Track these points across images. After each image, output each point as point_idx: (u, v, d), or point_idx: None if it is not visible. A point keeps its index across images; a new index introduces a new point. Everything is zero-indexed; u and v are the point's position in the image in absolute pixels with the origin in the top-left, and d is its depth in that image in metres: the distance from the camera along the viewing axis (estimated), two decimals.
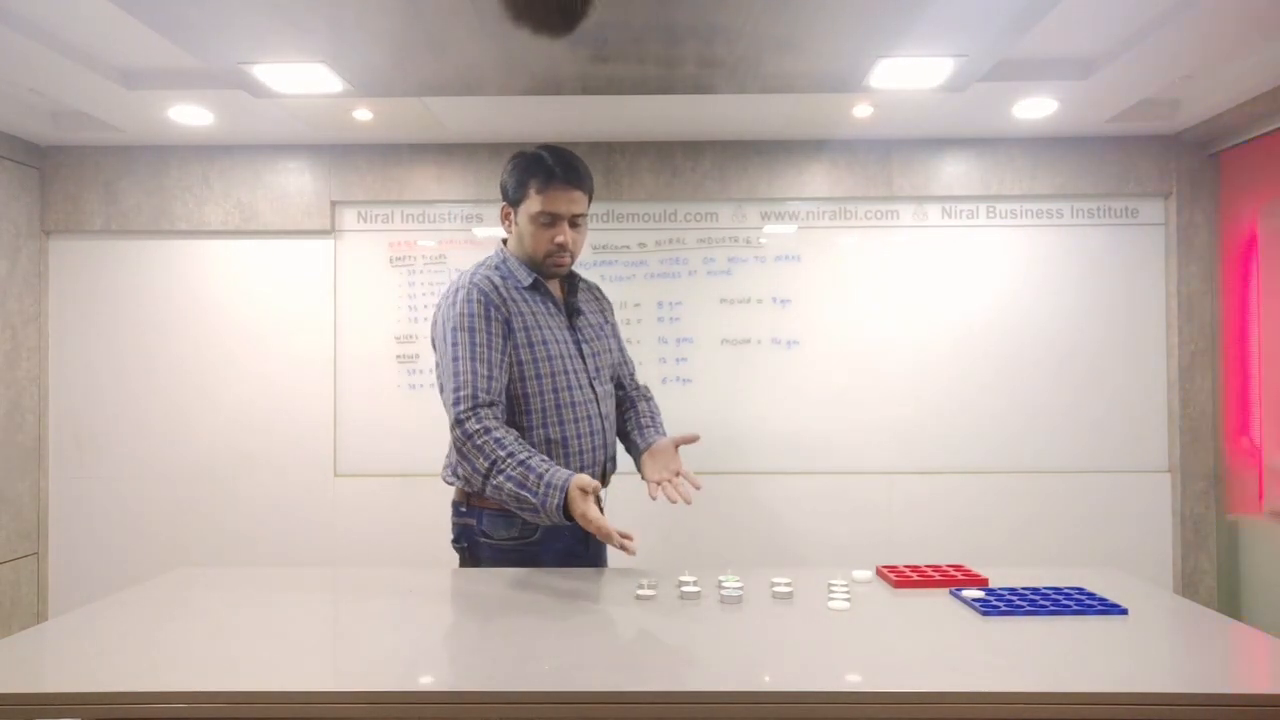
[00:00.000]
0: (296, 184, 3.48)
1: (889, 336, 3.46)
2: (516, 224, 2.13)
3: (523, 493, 1.85)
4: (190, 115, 3.08)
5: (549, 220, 2.07)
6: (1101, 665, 1.38)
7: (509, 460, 1.87)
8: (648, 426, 2.30)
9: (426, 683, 1.37)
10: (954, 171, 3.45)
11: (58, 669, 1.43)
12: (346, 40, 2.17)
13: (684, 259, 3.49)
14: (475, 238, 3.51)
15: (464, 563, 2.13)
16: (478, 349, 2.00)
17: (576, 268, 2.27)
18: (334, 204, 3.49)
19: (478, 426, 1.92)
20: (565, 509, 1.83)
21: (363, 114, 3.06)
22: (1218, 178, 3.43)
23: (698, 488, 2.03)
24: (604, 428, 2.17)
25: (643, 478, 2.15)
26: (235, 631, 1.63)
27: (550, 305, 2.15)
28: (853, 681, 1.34)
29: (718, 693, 1.26)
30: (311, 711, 1.27)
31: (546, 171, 2.06)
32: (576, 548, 2.11)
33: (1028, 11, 2.03)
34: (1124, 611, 1.63)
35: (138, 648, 1.51)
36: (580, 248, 2.16)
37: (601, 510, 2.00)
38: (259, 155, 3.48)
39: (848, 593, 1.75)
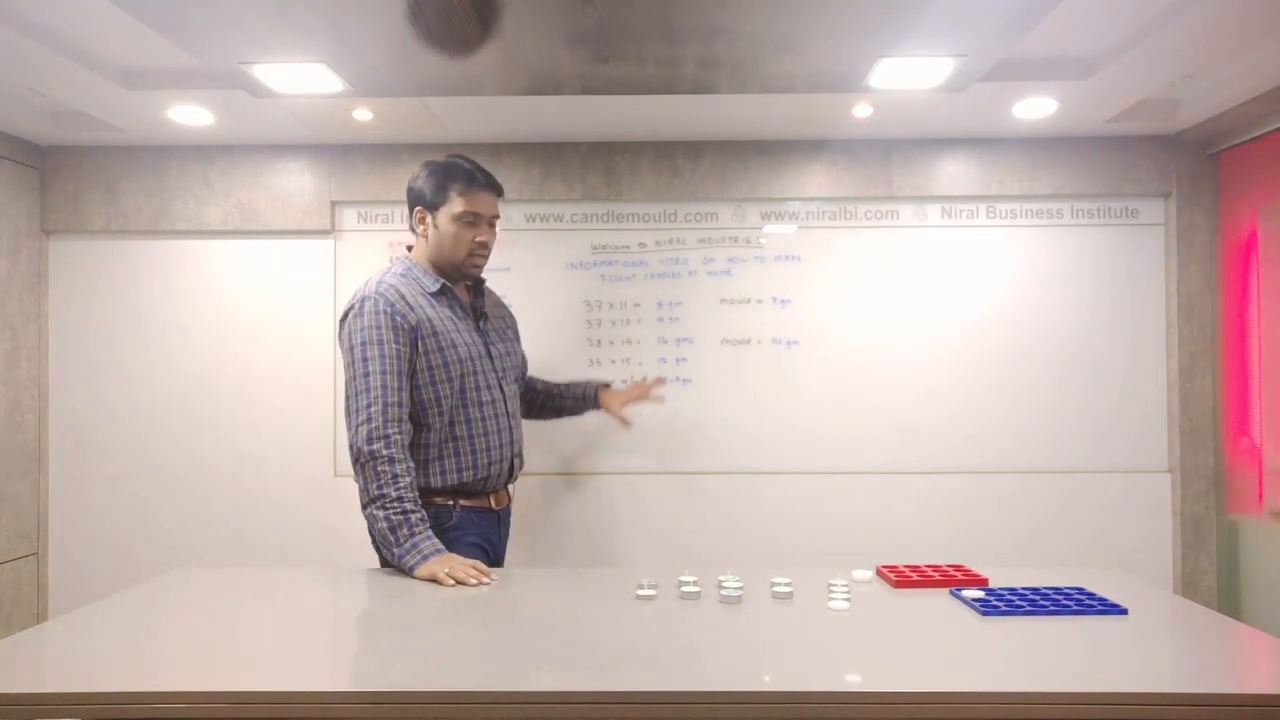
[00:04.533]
0: (296, 184, 3.48)
1: (889, 336, 3.46)
2: (435, 227, 2.25)
3: (390, 536, 2.01)
4: (190, 115, 3.08)
5: (472, 220, 2.22)
6: (1101, 665, 1.38)
7: (396, 503, 2.02)
8: (565, 385, 2.58)
9: (426, 683, 1.37)
10: (954, 171, 3.45)
11: (58, 669, 1.43)
12: (346, 40, 2.17)
13: (684, 259, 3.49)
14: None
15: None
16: (388, 361, 2.12)
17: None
18: (334, 204, 3.49)
19: (386, 453, 2.05)
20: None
21: (363, 114, 3.06)
22: (1218, 178, 3.43)
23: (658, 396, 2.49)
24: (510, 425, 2.29)
25: (611, 410, 2.54)
26: (235, 631, 1.63)
27: (458, 309, 2.25)
28: (853, 681, 1.34)
29: (718, 693, 1.26)
30: (311, 711, 1.27)
31: (468, 175, 2.24)
32: (491, 535, 2.28)
33: (1028, 11, 2.03)
34: (1124, 611, 1.63)
35: (138, 648, 1.51)
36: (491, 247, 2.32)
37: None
38: (259, 155, 3.48)
39: (848, 593, 1.75)
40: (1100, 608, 1.63)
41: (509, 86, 2.51)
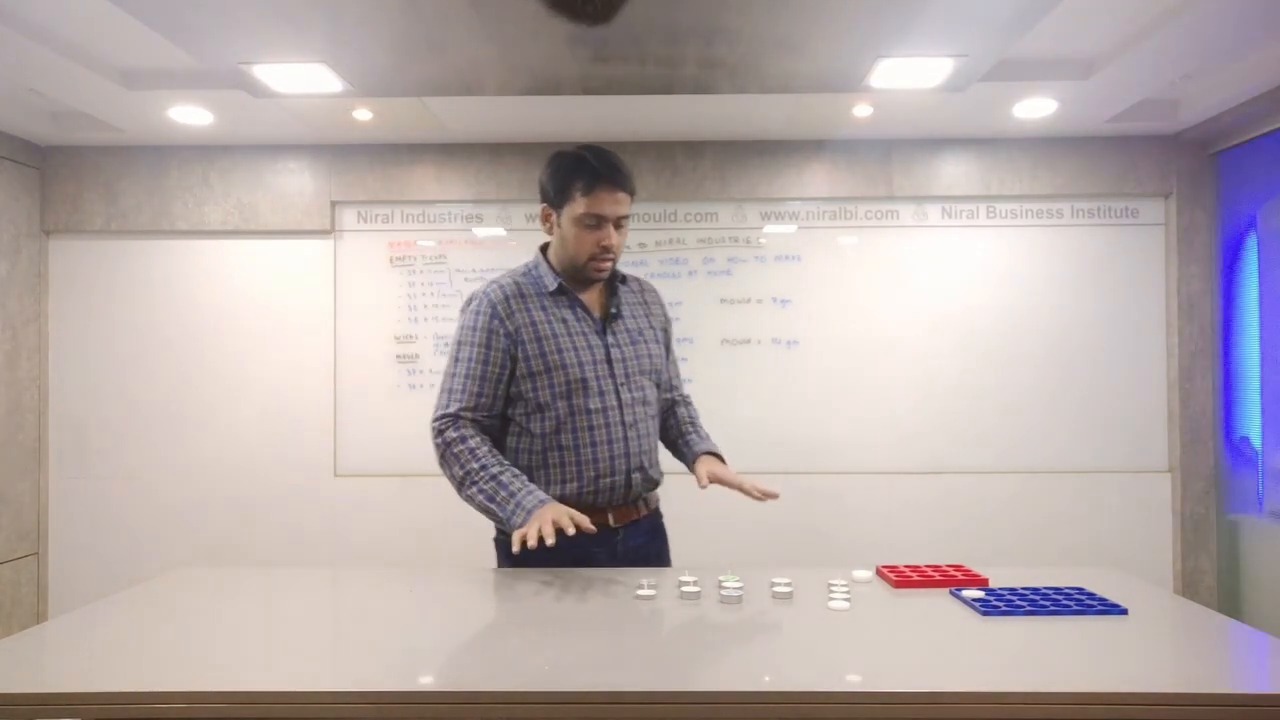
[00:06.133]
0: (296, 184, 3.48)
1: (889, 336, 3.46)
2: (559, 226, 2.08)
3: (491, 506, 1.93)
4: (190, 115, 3.08)
5: (595, 223, 2.02)
6: (1101, 665, 1.38)
7: (481, 473, 1.95)
8: (690, 434, 2.29)
9: (426, 683, 1.37)
10: (954, 171, 3.45)
11: (58, 669, 1.43)
12: (346, 40, 2.17)
13: (684, 259, 3.49)
14: (475, 238, 3.51)
15: (499, 557, 2.12)
16: (473, 364, 2.03)
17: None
18: (334, 204, 3.49)
19: (454, 435, 1.98)
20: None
21: (363, 114, 3.06)
22: (1217, 178, 3.43)
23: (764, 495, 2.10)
24: (626, 436, 2.09)
25: (698, 475, 2.18)
26: (235, 631, 1.63)
27: (578, 310, 2.09)
28: (853, 681, 1.34)
29: (718, 693, 1.26)
30: (311, 711, 1.27)
31: (592, 173, 2.01)
32: (596, 552, 2.07)
33: (1028, 11, 2.03)
34: (1124, 611, 1.63)
35: (138, 648, 1.51)
36: (621, 249, 2.11)
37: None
38: (259, 155, 3.48)
39: (848, 593, 1.75)
40: (1100, 608, 1.63)
41: (509, 86, 2.51)
